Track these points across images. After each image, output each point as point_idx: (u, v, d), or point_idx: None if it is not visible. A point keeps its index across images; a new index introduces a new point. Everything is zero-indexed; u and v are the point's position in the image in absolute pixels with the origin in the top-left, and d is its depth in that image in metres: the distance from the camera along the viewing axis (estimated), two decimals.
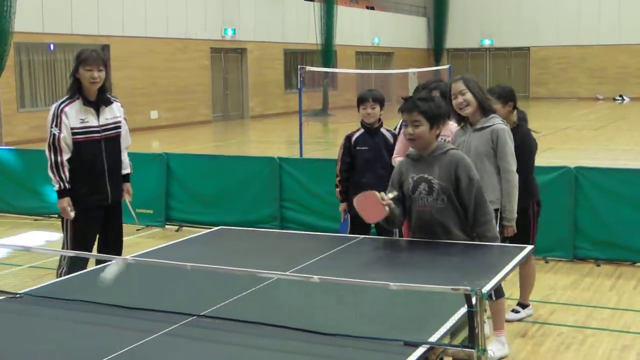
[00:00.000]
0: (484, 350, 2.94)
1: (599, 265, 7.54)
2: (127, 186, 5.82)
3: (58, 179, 5.37)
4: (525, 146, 5.69)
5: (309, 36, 29.43)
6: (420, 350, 2.81)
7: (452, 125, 5.59)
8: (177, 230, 9.46)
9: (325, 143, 20.34)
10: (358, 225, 5.65)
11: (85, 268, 4.97)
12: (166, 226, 9.62)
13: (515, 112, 5.84)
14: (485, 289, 3.17)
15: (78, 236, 5.45)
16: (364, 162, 6.18)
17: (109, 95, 5.61)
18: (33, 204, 10.05)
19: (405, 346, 2.83)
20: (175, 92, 24.93)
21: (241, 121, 27.85)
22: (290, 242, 4.95)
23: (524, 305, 6.06)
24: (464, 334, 3.10)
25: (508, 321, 5.71)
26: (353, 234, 5.44)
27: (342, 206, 6.28)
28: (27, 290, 3.67)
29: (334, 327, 2.98)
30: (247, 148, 19.96)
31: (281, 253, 4.46)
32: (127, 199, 5.81)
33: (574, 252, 7.71)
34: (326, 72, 27.29)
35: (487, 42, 40.06)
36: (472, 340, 2.94)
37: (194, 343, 3.00)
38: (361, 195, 4.38)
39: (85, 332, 3.18)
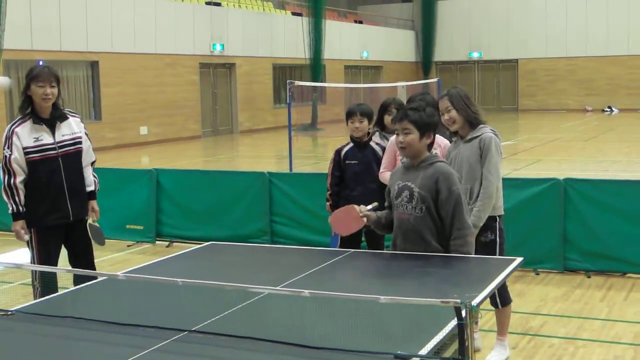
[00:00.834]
0: None
1: (589, 277, 7.57)
2: (92, 204, 5.61)
3: (12, 202, 5.28)
4: None
5: (298, 51, 29.51)
6: None
7: (439, 138, 5.63)
8: (167, 246, 9.45)
9: (314, 157, 20.37)
10: (348, 239, 5.66)
11: (54, 286, 4.98)
12: (157, 242, 9.61)
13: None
14: (475, 301, 3.18)
15: (42, 255, 5.38)
16: (353, 175, 6.20)
17: (65, 111, 5.46)
18: None
19: (395, 359, 2.84)
20: (165, 107, 24.94)
21: (230, 136, 27.86)
22: (280, 257, 4.96)
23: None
24: (454, 346, 3.11)
25: None
26: (343, 247, 5.46)
27: None
28: (18, 307, 3.67)
29: (325, 341, 2.99)
30: (237, 163, 19.96)
31: (272, 268, 4.46)
32: (92, 217, 5.61)
33: (564, 263, 7.73)
34: (315, 86, 27.36)
35: (475, 55, 40.25)
36: (463, 352, 2.95)
37: (185, 358, 3.00)
38: (338, 213, 4.63)
39: (77, 348, 3.18)
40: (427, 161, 4.45)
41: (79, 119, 5.55)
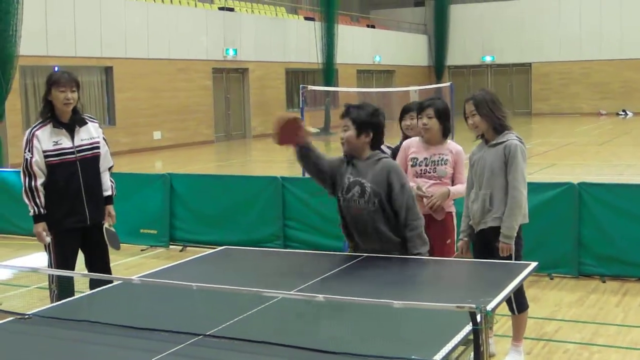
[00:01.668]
0: None
1: (604, 282, 7.53)
2: (109, 209, 5.68)
3: (33, 204, 5.36)
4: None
5: (310, 55, 29.53)
6: None
7: (451, 144, 5.63)
8: (181, 250, 9.47)
9: None
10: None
11: (71, 289, 5.01)
12: (170, 246, 9.64)
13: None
14: (490, 306, 3.18)
15: (59, 259, 5.44)
16: None
17: (84, 116, 5.56)
18: None
19: None
20: (178, 112, 25.01)
21: (243, 141, 27.91)
22: (293, 261, 4.96)
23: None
24: (469, 351, 3.11)
25: None
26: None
27: None
28: (35, 311, 3.69)
29: (339, 345, 2.99)
30: (250, 167, 19.99)
31: (285, 272, 4.47)
32: (108, 222, 5.66)
33: (579, 268, 7.69)
34: (328, 90, 27.36)
35: (488, 59, 40.15)
36: (478, 358, 2.94)
37: None
38: (285, 118, 4.73)
39: (92, 352, 3.19)
40: (372, 157, 4.66)
41: (97, 124, 5.65)
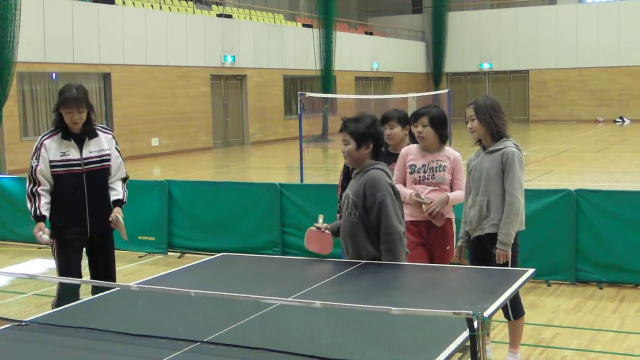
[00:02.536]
0: None
1: (601, 288, 7.54)
2: (117, 210, 5.55)
3: (33, 207, 5.34)
4: None
5: (308, 62, 29.58)
6: None
7: (449, 151, 5.64)
8: (179, 257, 9.47)
9: (325, 168, 20.38)
10: None
11: (76, 297, 5.02)
12: (168, 253, 9.63)
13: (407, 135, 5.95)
14: (487, 312, 3.18)
15: (62, 265, 5.47)
16: None
17: (97, 127, 5.51)
18: None
19: None
20: (176, 119, 25.03)
21: (241, 147, 27.93)
22: (292, 268, 4.97)
23: None
24: (466, 358, 3.11)
25: None
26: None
27: None
28: (32, 318, 3.69)
29: (337, 352, 2.99)
30: (248, 174, 20.00)
31: (283, 279, 4.48)
32: (119, 217, 5.54)
33: (576, 275, 7.70)
34: (326, 97, 27.40)
35: (486, 66, 40.22)
36: None
37: None
38: (307, 240, 4.83)
39: (90, 359, 3.19)
40: (364, 169, 4.69)
41: (110, 136, 5.57)
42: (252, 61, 28.47)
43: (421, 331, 3.31)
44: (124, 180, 5.68)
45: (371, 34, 38.39)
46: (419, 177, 5.60)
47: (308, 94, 17.13)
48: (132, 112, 23.25)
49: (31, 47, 19.45)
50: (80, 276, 5.50)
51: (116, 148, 5.60)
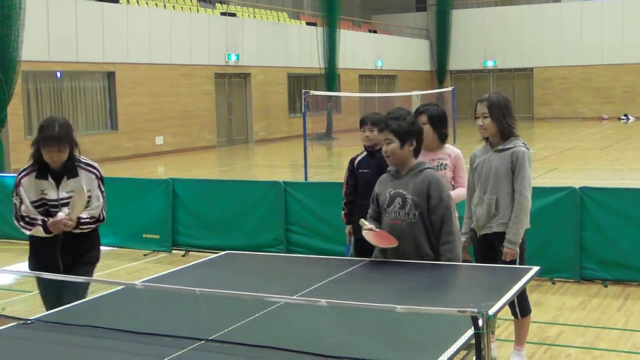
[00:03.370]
0: None
1: (606, 286, 7.53)
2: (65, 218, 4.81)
3: (33, 227, 4.87)
4: None
5: (312, 60, 29.57)
6: None
7: (450, 148, 5.62)
8: (183, 255, 9.48)
9: (329, 166, 20.38)
10: (363, 248, 5.66)
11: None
12: (173, 251, 9.65)
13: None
14: (492, 310, 3.18)
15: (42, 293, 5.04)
16: (365, 184, 6.17)
17: (80, 165, 4.88)
18: None
19: None
20: (180, 117, 25.05)
21: (246, 146, 27.94)
22: (296, 266, 4.97)
23: None
24: (471, 356, 3.11)
25: None
26: (359, 256, 5.46)
27: (348, 229, 6.30)
28: (37, 316, 3.70)
29: (342, 350, 2.99)
30: (252, 172, 20.01)
31: (288, 277, 4.48)
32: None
33: (581, 272, 7.69)
34: (330, 95, 27.39)
35: (490, 64, 40.17)
36: None
37: None
38: (376, 240, 4.58)
39: (94, 357, 3.20)
40: (416, 168, 4.57)
41: (94, 176, 4.91)
42: (256, 59, 28.47)
43: (426, 329, 3.31)
44: (97, 219, 4.96)
45: (375, 32, 38.36)
46: None
47: (312, 92, 17.14)
48: (136, 110, 23.27)
49: (35, 46, 19.47)
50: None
51: (99, 188, 4.95)
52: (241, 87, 28.46)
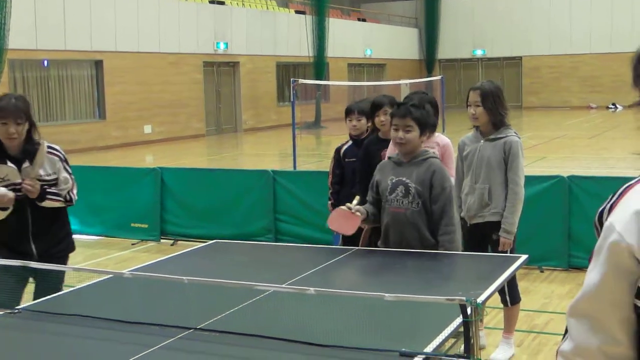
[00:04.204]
0: None
1: None
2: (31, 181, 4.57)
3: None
4: None
5: (301, 49, 29.51)
6: None
7: (439, 137, 5.61)
8: (172, 244, 9.46)
9: (318, 155, 20.37)
10: (350, 237, 5.65)
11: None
12: (161, 240, 9.63)
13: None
14: (480, 299, 3.19)
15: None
16: (352, 173, 6.16)
17: (39, 147, 4.62)
18: None
19: (401, 357, 2.84)
20: (168, 106, 24.96)
21: (234, 134, 27.88)
22: (285, 255, 4.97)
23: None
24: (459, 344, 3.12)
25: None
26: (346, 245, 5.45)
27: None
28: (24, 305, 3.68)
29: (330, 338, 2.99)
30: (241, 161, 19.97)
31: (277, 265, 4.48)
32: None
33: (569, 261, 7.73)
34: (318, 84, 27.36)
35: (479, 52, 40.20)
36: (468, 350, 2.96)
37: (191, 356, 3.01)
38: (331, 216, 4.63)
39: (82, 346, 3.19)
40: (420, 157, 4.52)
41: (57, 159, 4.67)
42: (244, 48, 28.39)
43: (415, 317, 3.31)
44: (66, 200, 4.70)
45: (364, 20, 38.31)
46: None
47: (301, 81, 17.11)
48: (124, 99, 23.17)
49: (22, 34, 19.34)
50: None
51: (66, 170, 4.72)
52: (230, 75, 28.38)
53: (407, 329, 3.22)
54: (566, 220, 7.70)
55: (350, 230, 4.64)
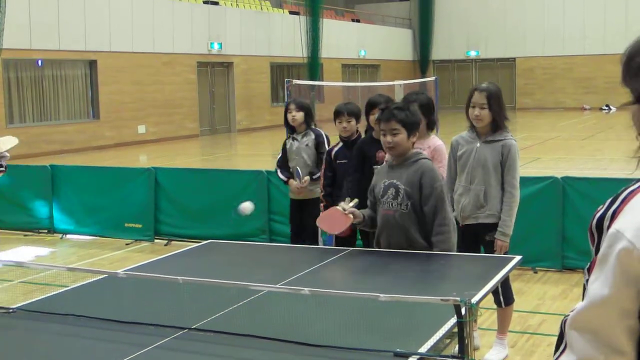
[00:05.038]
0: None
1: None
2: None
3: None
4: None
5: (295, 49, 29.50)
6: None
7: (432, 139, 5.61)
8: (166, 245, 9.45)
9: None
10: (343, 238, 5.64)
11: None
12: (155, 240, 9.61)
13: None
14: (474, 299, 3.19)
15: None
16: (343, 175, 6.14)
17: None
18: (22, 219, 10.01)
19: (395, 357, 2.85)
20: (162, 106, 24.93)
21: (228, 135, 27.86)
22: (279, 255, 4.97)
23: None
24: (453, 344, 3.13)
25: None
26: (338, 246, 5.45)
27: None
28: (19, 305, 3.68)
29: (325, 338, 3.00)
30: (235, 162, 19.95)
31: (271, 266, 4.47)
32: None
33: (563, 262, 7.74)
34: (312, 85, 27.36)
35: (473, 54, 40.25)
36: (462, 350, 2.96)
37: (185, 356, 3.01)
38: (321, 215, 4.68)
39: (77, 346, 3.18)
40: (411, 158, 4.53)
41: None
42: (238, 48, 28.37)
43: (409, 318, 3.32)
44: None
45: (358, 21, 38.32)
46: None
47: (295, 82, 17.11)
48: (118, 99, 23.13)
49: (17, 34, 19.30)
50: None
51: None
52: (224, 76, 28.35)
53: (402, 329, 3.23)
54: (560, 221, 7.71)
55: (337, 230, 4.66)
